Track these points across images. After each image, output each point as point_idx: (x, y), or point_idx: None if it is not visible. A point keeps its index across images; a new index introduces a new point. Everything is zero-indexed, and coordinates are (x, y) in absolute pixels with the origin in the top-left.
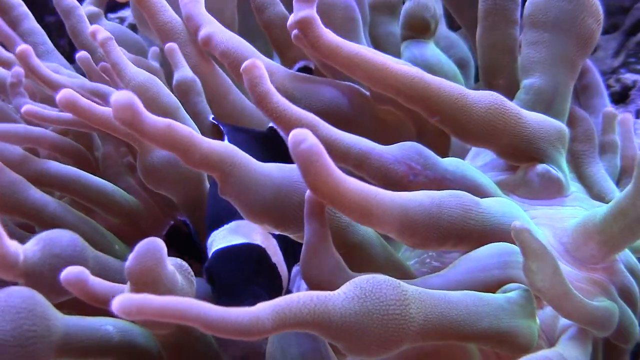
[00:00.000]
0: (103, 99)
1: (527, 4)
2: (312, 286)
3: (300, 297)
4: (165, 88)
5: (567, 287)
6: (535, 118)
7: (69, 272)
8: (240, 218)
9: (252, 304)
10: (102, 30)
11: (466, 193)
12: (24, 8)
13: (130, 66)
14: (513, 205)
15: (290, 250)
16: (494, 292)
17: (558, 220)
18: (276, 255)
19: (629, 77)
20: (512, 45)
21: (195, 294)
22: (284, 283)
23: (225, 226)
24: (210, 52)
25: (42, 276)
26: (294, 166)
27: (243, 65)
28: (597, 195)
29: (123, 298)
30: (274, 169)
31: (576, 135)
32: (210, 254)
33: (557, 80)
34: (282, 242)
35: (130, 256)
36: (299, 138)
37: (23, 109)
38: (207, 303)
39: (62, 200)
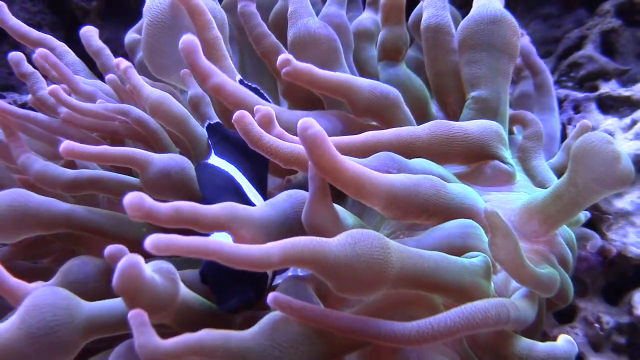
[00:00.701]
0: (126, 115)
1: (458, 31)
2: (311, 233)
3: (302, 240)
4: (176, 101)
5: (524, 260)
6: (477, 128)
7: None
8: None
9: (240, 302)
10: (124, 61)
11: (436, 177)
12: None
13: (146, 87)
14: (472, 190)
15: None
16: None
17: (507, 202)
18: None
19: (561, 92)
20: (454, 68)
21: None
22: (270, 276)
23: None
24: (219, 98)
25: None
26: (285, 196)
27: (234, 118)
28: (540, 183)
29: (154, 237)
30: (269, 210)
31: (527, 135)
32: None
33: (499, 89)
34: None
35: (114, 276)
36: (306, 125)
37: (62, 116)
38: (226, 241)
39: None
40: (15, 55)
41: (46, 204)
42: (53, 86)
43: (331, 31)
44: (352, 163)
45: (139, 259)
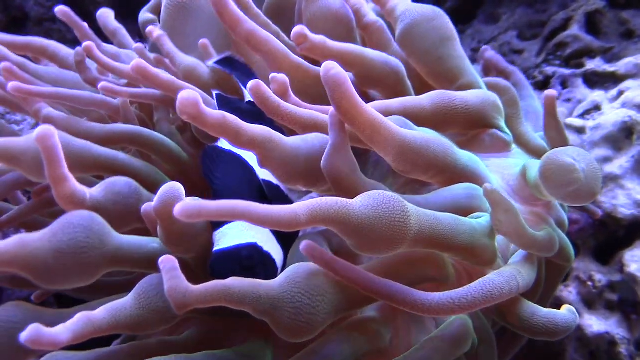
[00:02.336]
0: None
1: (405, 41)
2: (331, 178)
3: (328, 201)
4: (207, 69)
5: (526, 230)
6: (477, 99)
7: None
8: (232, 220)
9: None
10: (156, 30)
11: (446, 139)
12: None
13: (179, 54)
14: (475, 156)
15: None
16: (461, 215)
17: (505, 167)
18: (269, 243)
19: (549, 69)
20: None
21: None
22: (278, 263)
23: (220, 229)
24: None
25: (107, 210)
26: (314, 136)
27: (248, 87)
28: (533, 150)
29: (183, 204)
30: (300, 142)
31: (504, 101)
32: (213, 251)
33: (472, 71)
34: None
35: (155, 197)
36: (329, 66)
37: (100, 86)
38: (252, 203)
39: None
40: None
41: (87, 147)
42: (87, 42)
43: (350, 11)
44: (371, 108)
45: (180, 187)
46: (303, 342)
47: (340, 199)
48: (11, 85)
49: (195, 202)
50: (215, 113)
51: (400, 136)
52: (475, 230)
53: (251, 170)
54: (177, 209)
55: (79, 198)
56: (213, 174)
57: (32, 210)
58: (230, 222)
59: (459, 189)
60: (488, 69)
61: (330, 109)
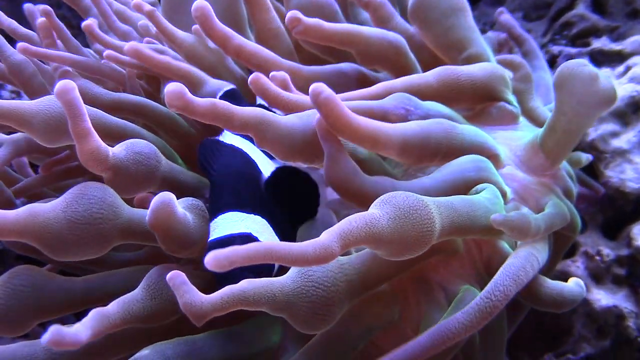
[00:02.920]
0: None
1: (416, 13)
2: (335, 187)
3: (355, 222)
4: (209, 48)
5: (542, 230)
6: (483, 73)
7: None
8: (228, 210)
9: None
10: (146, 4)
11: (446, 120)
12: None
13: (179, 31)
14: (478, 129)
15: (280, 226)
16: (470, 188)
17: (513, 139)
18: (265, 233)
19: (555, 48)
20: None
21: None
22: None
23: (215, 219)
24: (241, 60)
25: (128, 170)
26: (309, 112)
27: (249, 81)
28: (542, 124)
29: (214, 254)
30: (295, 120)
31: (517, 77)
32: (208, 241)
33: (481, 42)
34: (274, 220)
35: (148, 212)
36: (318, 90)
37: (105, 54)
38: (284, 243)
39: None
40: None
41: (98, 115)
42: (88, 20)
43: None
44: (365, 119)
45: (171, 196)
46: None
47: (363, 215)
48: (19, 45)
49: (225, 252)
50: (203, 101)
51: (400, 136)
52: (489, 210)
53: (253, 164)
54: (208, 260)
55: (102, 154)
56: (211, 165)
57: (41, 183)
58: (225, 212)
59: (466, 162)
60: (501, 45)
61: (317, 116)
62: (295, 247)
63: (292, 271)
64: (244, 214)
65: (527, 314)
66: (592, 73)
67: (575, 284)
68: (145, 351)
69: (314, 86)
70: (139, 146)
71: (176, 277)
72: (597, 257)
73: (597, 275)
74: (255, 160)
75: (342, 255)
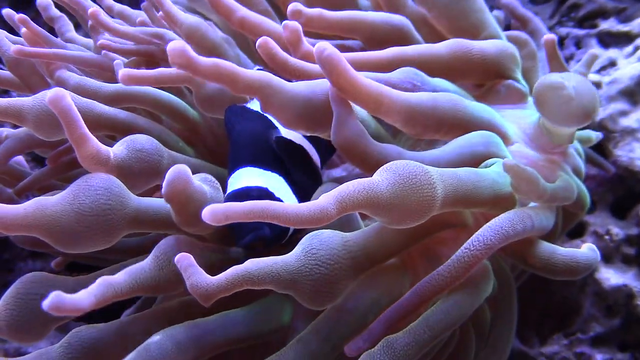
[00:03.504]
0: (161, 39)
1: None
2: (342, 149)
3: (353, 186)
4: (211, 29)
5: (546, 191)
6: (495, 49)
7: None
8: (246, 165)
9: (255, 237)
10: None
11: (453, 93)
12: None
13: (180, 13)
14: (486, 106)
15: (300, 185)
16: (479, 163)
17: (521, 117)
18: (282, 190)
19: (562, 30)
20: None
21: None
22: None
23: (233, 173)
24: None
25: (132, 169)
26: (318, 82)
27: (257, 44)
28: None
29: (211, 208)
30: (302, 87)
31: (524, 54)
32: (225, 194)
33: (493, 24)
34: (291, 179)
35: (163, 184)
36: (321, 48)
37: (99, 43)
38: (280, 203)
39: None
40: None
41: (90, 105)
42: (93, 7)
43: None
44: (370, 81)
45: (186, 168)
46: None
47: (363, 180)
48: (14, 48)
49: (222, 206)
50: (206, 60)
51: (405, 101)
52: (496, 182)
53: (276, 129)
54: (205, 214)
55: (103, 157)
56: (234, 127)
57: (50, 176)
58: (242, 167)
59: (475, 137)
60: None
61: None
62: (290, 207)
63: (297, 249)
64: (261, 169)
65: (535, 293)
66: (564, 97)
67: (588, 249)
68: (156, 337)
69: (318, 44)
70: (140, 143)
71: (183, 259)
72: (607, 237)
73: (607, 255)
74: (279, 127)
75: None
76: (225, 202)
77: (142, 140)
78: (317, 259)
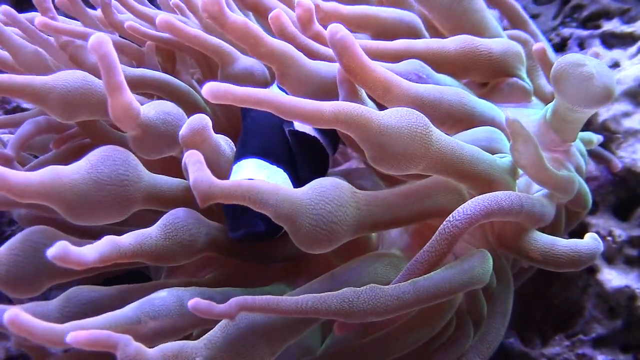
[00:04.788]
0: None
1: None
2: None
3: (353, 105)
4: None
5: (544, 163)
6: (501, 47)
7: None
8: (252, 156)
9: (247, 233)
10: None
11: (459, 88)
12: None
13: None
14: (491, 103)
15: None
16: None
17: (525, 116)
18: (285, 186)
19: (565, 31)
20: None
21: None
22: None
23: (238, 162)
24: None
25: (158, 129)
26: (331, 64)
27: (270, 17)
28: (550, 100)
29: (211, 85)
30: (320, 65)
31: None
32: None
33: (495, 25)
34: (295, 175)
35: (183, 127)
36: (334, 30)
37: (126, 25)
38: (279, 93)
39: None
40: None
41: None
42: None
43: None
44: (380, 66)
45: (208, 119)
46: None
47: (365, 107)
48: (38, 20)
49: (224, 85)
50: (237, 17)
51: (413, 91)
52: (495, 163)
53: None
54: (206, 89)
55: (135, 110)
56: (248, 110)
57: (53, 161)
58: (247, 157)
59: (479, 132)
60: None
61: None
62: (289, 97)
63: (306, 186)
64: (267, 162)
65: (537, 295)
66: (585, 74)
67: (590, 238)
68: (162, 293)
69: (331, 26)
70: (168, 107)
71: (193, 154)
72: (609, 238)
73: (609, 256)
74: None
75: None
76: None
77: (169, 105)
78: (324, 196)
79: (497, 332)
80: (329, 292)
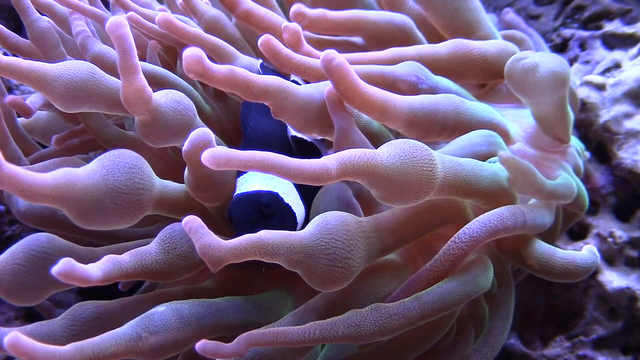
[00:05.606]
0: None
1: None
2: None
3: (356, 153)
4: (230, 22)
5: (545, 186)
6: (495, 49)
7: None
8: None
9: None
10: None
11: (454, 95)
12: None
13: (201, 3)
14: (488, 106)
15: (306, 190)
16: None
17: (522, 117)
18: (291, 196)
19: (566, 32)
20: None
21: None
22: (298, 217)
23: (245, 174)
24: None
25: (167, 116)
26: (327, 83)
27: (259, 42)
28: None
29: (212, 151)
30: (312, 90)
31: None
32: (234, 195)
33: (488, 24)
34: (300, 185)
35: (186, 142)
36: (330, 57)
37: (127, 15)
38: (283, 156)
39: None
40: None
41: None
42: None
43: None
44: (375, 89)
45: (210, 132)
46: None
47: (367, 150)
48: None
49: (224, 150)
50: (222, 68)
51: (408, 107)
52: (496, 175)
53: (284, 125)
54: (206, 156)
55: (147, 95)
56: (248, 122)
57: (53, 157)
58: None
59: (477, 136)
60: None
61: (328, 87)
62: (293, 161)
63: (310, 226)
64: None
65: (538, 296)
66: (528, 65)
67: (588, 252)
68: (160, 307)
69: (325, 53)
70: (178, 95)
71: (192, 221)
72: (610, 239)
73: (610, 257)
74: (289, 127)
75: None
76: (233, 203)
77: (180, 94)
78: (332, 234)
79: (499, 334)
80: (334, 318)
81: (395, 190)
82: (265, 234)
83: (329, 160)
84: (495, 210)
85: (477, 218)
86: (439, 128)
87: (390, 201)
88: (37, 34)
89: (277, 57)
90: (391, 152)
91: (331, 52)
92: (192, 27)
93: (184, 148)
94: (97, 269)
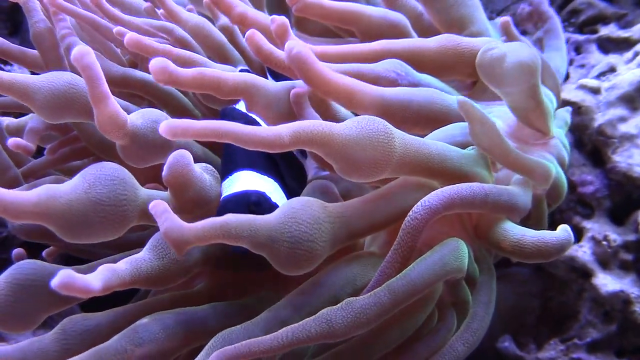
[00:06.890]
0: (169, 33)
1: None
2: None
3: (311, 122)
4: (214, 28)
5: (506, 144)
6: (484, 45)
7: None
8: (243, 169)
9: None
10: None
11: (433, 89)
12: None
13: (183, 11)
14: (467, 99)
15: (292, 190)
16: None
17: (508, 113)
18: (277, 195)
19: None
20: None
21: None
22: None
23: (230, 176)
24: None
25: (146, 137)
26: (299, 81)
27: (245, 37)
28: None
29: (170, 122)
30: (286, 86)
31: None
32: (221, 198)
33: (483, 20)
34: (284, 184)
35: (165, 167)
36: (290, 46)
37: (115, 30)
38: (237, 123)
39: None
40: None
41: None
42: None
43: None
44: (340, 75)
45: (189, 155)
46: None
47: (323, 121)
48: None
49: (180, 121)
50: (189, 71)
51: (379, 95)
52: (464, 156)
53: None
54: (163, 127)
55: (121, 119)
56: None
57: (47, 166)
58: (239, 170)
59: (455, 128)
60: (523, 20)
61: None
62: (247, 128)
63: (276, 211)
64: (257, 173)
65: (533, 299)
66: (495, 55)
67: (561, 230)
68: (144, 320)
69: (288, 42)
70: (155, 115)
71: (158, 205)
72: (604, 242)
73: (604, 261)
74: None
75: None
76: (222, 205)
77: (157, 113)
78: (297, 218)
79: (481, 320)
80: (306, 319)
81: (350, 161)
82: (230, 217)
83: (284, 128)
84: (454, 187)
85: (432, 192)
86: (412, 118)
87: (348, 174)
88: (37, 34)
89: (260, 52)
90: (349, 124)
91: (292, 42)
92: (161, 45)
93: (163, 174)
94: (96, 279)
